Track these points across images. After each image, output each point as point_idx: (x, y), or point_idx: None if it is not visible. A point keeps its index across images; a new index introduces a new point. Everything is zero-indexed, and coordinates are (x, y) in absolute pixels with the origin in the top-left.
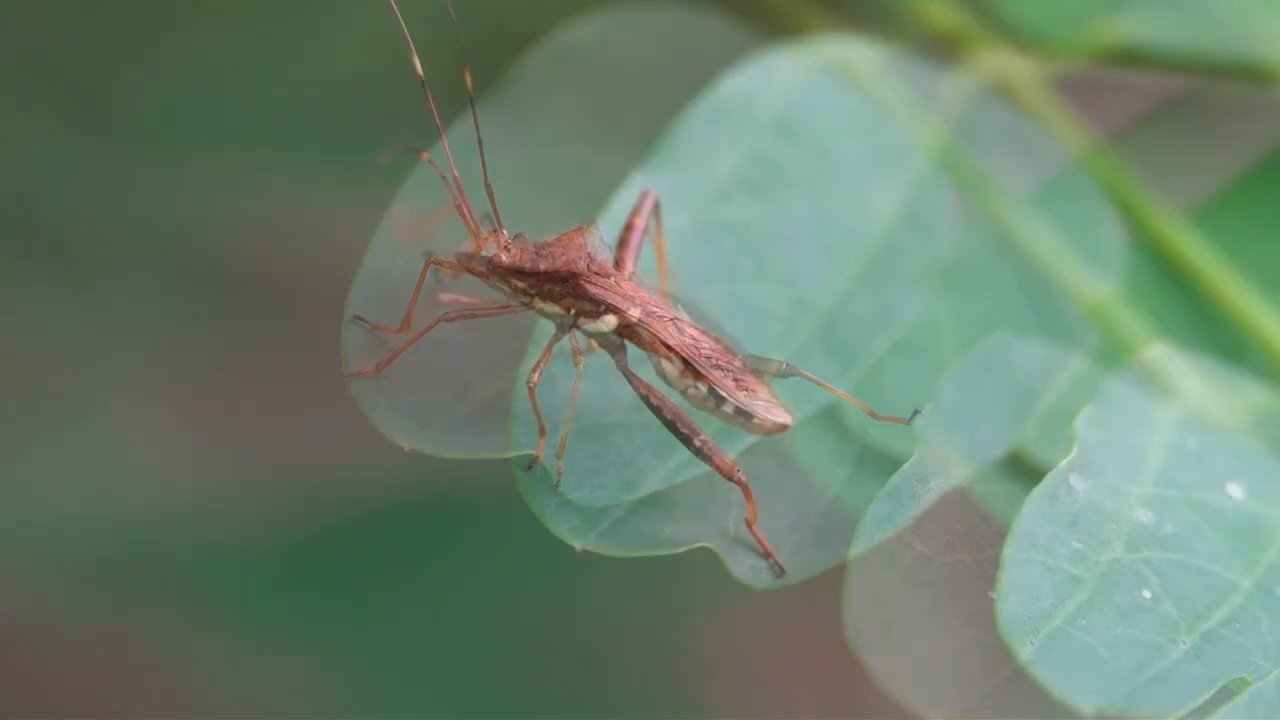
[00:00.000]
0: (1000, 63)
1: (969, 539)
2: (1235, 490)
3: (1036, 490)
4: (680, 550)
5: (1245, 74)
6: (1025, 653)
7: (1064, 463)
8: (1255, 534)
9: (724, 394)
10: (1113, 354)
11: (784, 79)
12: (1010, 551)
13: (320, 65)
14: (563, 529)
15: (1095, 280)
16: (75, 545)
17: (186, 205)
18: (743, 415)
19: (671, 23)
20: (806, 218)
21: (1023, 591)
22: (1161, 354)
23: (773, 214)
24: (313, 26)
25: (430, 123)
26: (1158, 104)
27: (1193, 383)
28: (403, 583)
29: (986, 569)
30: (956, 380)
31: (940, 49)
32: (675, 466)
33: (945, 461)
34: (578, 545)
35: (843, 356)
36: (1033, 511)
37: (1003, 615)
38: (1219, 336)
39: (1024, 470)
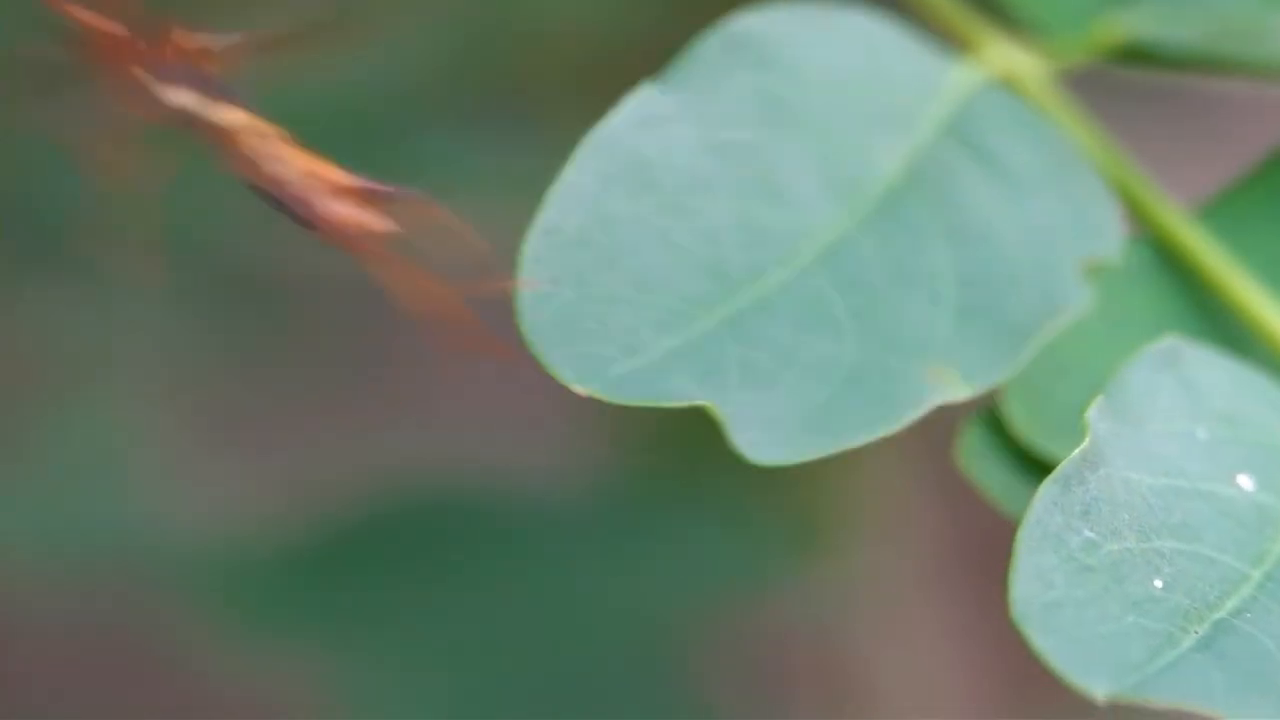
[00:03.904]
0: (1006, 58)
1: (1135, 527)
2: (1245, 482)
3: (1049, 479)
4: (680, 406)
5: (1253, 71)
6: (1039, 640)
7: (1076, 452)
8: (1265, 525)
9: None
10: (1122, 346)
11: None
12: (1023, 539)
13: (324, 67)
14: (567, 374)
15: (1100, 274)
16: (75, 545)
17: (188, 206)
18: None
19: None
20: (814, 154)
21: (1035, 579)
22: (1171, 346)
23: (780, 145)
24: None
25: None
26: (1164, 101)
27: (1202, 374)
28: (404, 584)
29: (1153, 558)
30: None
31: (945, 43)
32: None
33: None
34: (581, 390)
35: (856, 291)
36: (1045, 500)
37: (1015, 602)
38: (1223, 331)
39: (1030, 465)
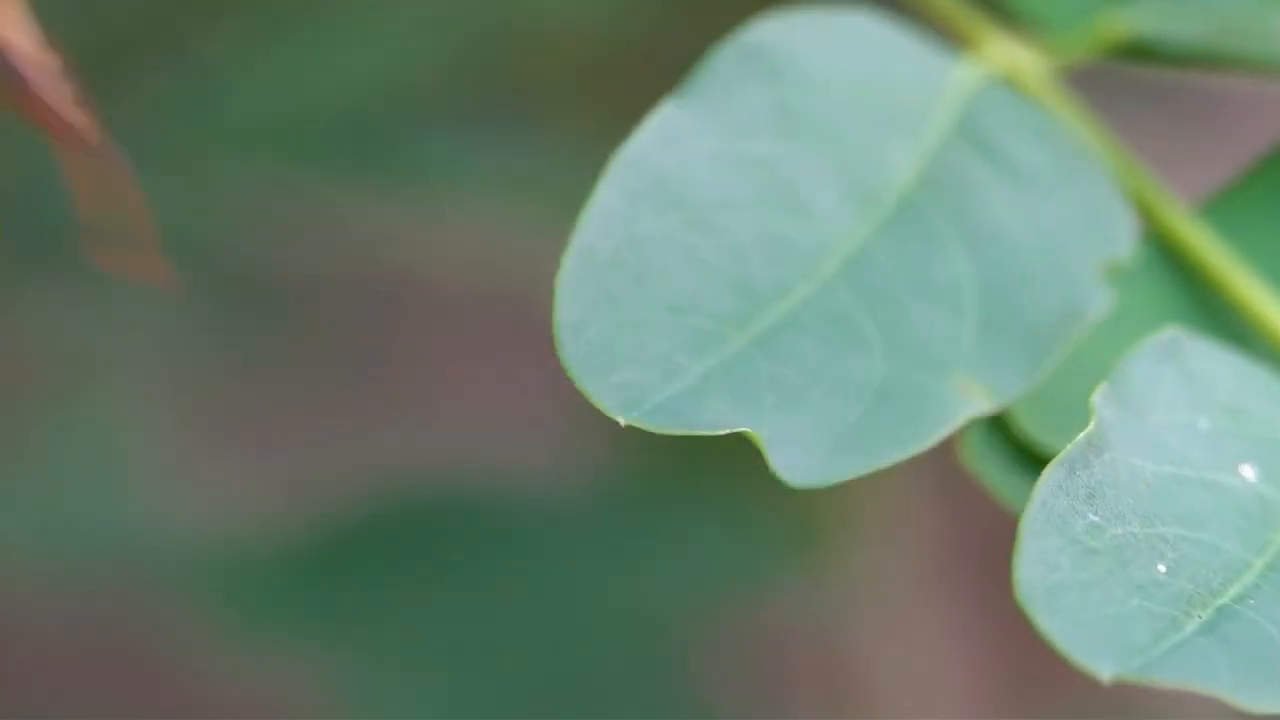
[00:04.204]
0: (1007, 55)
1: (1139, 512)
2: (1248, 473)
3: (1055, 461)
4: (720, 433)
5: (1253, 68)
6: (1044, 621)
7: (1080, 436)
8: (1268, 516)
9: None
10: (1124, 343)
11: (814, 35)
12: (1027, 523)
13: (325, 67)
14: (608, 404)
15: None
16: (75, 545)
17: (188, 206)
18: None
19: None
20: (829, 162)
21: (1040, 562)
22: (1172, 337)
23: (796, 155)
24: (320, 29)
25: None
26: (1164, 99)
27: (1203, 366)
28: (404, 584)
29: (1156, 543)
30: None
31: (944, 40)
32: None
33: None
34: (624, 421)
35: (879, 304)
36: (1050, 483)
37: (1020, 584)
38: (1225, 327)
39: (1033, 462)
